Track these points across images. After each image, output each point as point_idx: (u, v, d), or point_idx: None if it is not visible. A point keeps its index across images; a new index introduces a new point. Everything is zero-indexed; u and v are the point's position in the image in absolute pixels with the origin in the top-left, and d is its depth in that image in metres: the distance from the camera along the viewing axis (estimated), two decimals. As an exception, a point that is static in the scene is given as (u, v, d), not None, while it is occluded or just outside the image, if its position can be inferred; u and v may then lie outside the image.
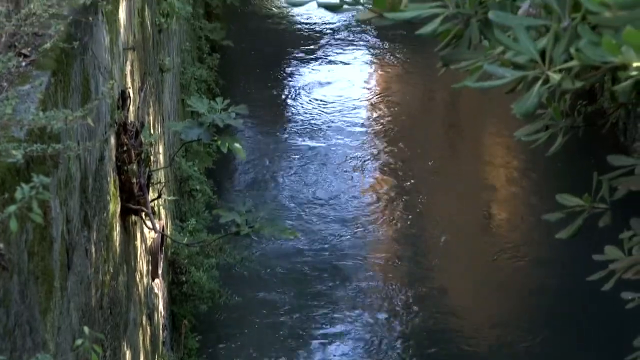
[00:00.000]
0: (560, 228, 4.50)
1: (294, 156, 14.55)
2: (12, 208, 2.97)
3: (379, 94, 16.72)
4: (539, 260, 12.14)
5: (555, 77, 2.69)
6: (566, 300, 11.23)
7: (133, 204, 6.95)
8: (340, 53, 18.06)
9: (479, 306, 11.46)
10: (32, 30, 4.45)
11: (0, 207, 3.23)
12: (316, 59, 17.81)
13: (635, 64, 2.28)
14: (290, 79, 17.18)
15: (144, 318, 7.73)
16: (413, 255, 12.30)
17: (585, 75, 2.79)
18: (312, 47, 18.25)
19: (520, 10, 2.97)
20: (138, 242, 7.54)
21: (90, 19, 5.32)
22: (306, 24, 19.12)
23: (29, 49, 4.41)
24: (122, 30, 6.87)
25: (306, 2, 3.51)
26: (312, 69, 17.44)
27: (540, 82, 2.73)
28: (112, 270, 6.01)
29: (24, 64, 4.32)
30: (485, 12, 3.11)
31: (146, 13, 8.80)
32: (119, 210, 6.53)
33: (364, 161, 14.45)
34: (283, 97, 16.58)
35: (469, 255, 12.33)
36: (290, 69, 17.51)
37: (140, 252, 7.67)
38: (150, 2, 9.25)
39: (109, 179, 6.12)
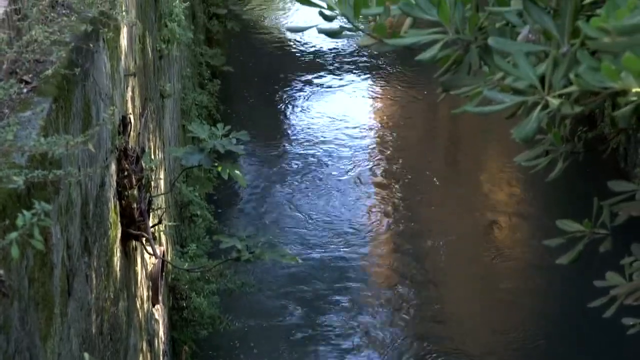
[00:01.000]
0: (560, 253, 4.50)
1: (294, 180, 14.56)
2: (13, 235, 2.97)
3: (379, 118, 16.75)
4: (539, 285, 12.11)
5: (554, 102, 2.70)
6: (566, 326, 11.19)
7: (134, 229, 6.95)
8: (341, 77, 18.10)
9: (479, 328, 11.42)
10: (34, 57, 4.47)
11: (1, 233, 3.24)
12: (317, 84, 17.85)
13: (634, 90, 2.28)
14: (291, 104, 17.22)
15: (145, 344, 7.70)
16: (415, 276, 12.27)
17: (585, 101, 2.80)
18: (313, 72, 18.30)
19: (520, 36, 2.98)
20: (139, 268, 7.53)
21: (92, 45, 5.34)
22: (307, 49, 19.19)
23: (30, 75, 4.43)
24: (123, 56, 6.89)
25: (306, 28, 3.53)
26: (313, 94, 17.49)
27: (539, 107, 2.73)
28: (112, 296, 6.00)
29: (25, 90, 4.33)
30: (484, 38, 3.13)
31: (147, 39, 8.84)
32: (119, 235, 6.53)
33: (366, 184, 14.46)
34: (284, 122, 16.61)
35: (469, 280, 12.30)
36: (291, 93, 17.56)
37: (141, 278, 7.66)
38: (151, 29, 9.29)
39: (109, 204, 6.12)
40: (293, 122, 16.59)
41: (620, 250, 4.49)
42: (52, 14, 4.94)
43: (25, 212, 3.05)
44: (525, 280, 12.30)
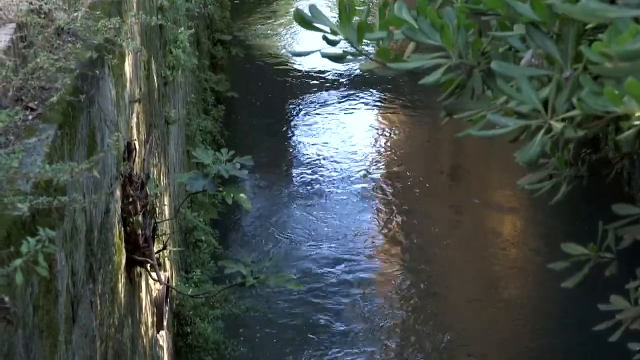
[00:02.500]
0: (565, 277, 4.49)
1: (299, 204, 14.56)
2: (17, 262, 2.97)
3: (383, 141, 16.77)
4: (543, 308, 12.07)
5: (557, 126, 2.70)
6: (571, 346, 11.15)
7: (138, 255, 6.95)
8: (345, 101, 18.14)
9: (484, 347, 11.38)
10: (39, 84, 4.49)
11: (6, 260, 3.24)
12: (321, 108, 17.89)
13: (637, 114, 2.29)
14: (295, 128, 17.25)
15: (149, 370, 7.68)
16: (420, 302, 12.24)
17: (588, 125, 2.80)
18: (316, 96, 18.34)
19: (523, 60, 2.99)
20: (143, 294, 7.53)
21: (97, 72, 5.36)
22: (310, 73, 19.24)
23: (35, 102, 4.45)
24: (128, 83, 6.92)
25: (310, 53, 3.54)
26: (317, 118, 17.52)
27: (543, 131, 2.74)
28: (117, 323, 5.99)
29: (30, 117, 4.35)
30: (488, 63, 3.14)
31: (152, 66, 8.87)
32: (124, 262, 6.53)
33: (371, 209, 14.45)
34: (288, 146, 16.63)
35: (472, 301, 12.27)
36: (295, 118, 17.59)
37: (146, 304, 7.65)
38: (156, 55, 9.33)
39: (114, 230, 6.13)
40: (297, 146, 16.61)
41: (625, 274, 4.48)
42: (57, 42, 4.96)
43: (29, 238, 3.05)
44: (530, 303, 12.26)
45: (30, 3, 4.82)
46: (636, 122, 2.36)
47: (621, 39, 2.13)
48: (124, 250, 6.57)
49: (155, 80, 9.15)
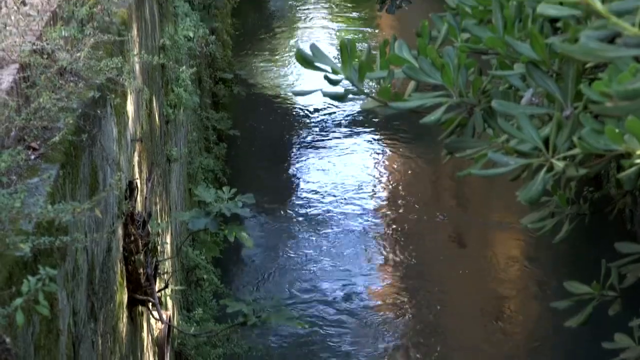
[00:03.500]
0: (569, 315, 4.47)
1: (301, 241, 14.53)
2: (18, 301, 2.97)
3: (384, 180, 16.78)
4: (547, 346, 12.01)
5: (559, 164, 2.71)
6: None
7: (140, 294, 6.93)
8: (346, 139, 18.18)
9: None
10: (42, 124, 4.51)
11: (7, 300, 3.23)
12: (322, 146, 17.93)
13: (638, 152, 2.29)
14: (297, 165, 17.27)
15: (151, 410, 7.63)
16: (419, 343, 12.18)
17: (590, 163, 2.81)
18: (318, 134, 18.39)
19: (523, 99, 3.00)
20: (145, 333, 7.49)
21: (99, 111, 5.39)
22: (312, 111, 19.30)
23: (38, 142, 4.46)
24: (130, 122, 6.94)
25: (311, 92, 3.55)
26: (319, 156, 17.55)
27: (544, 169, 2.75)
28: (118, 362, 5.96)
29: (33, 157, 4.36)
30: (488, 101, 3.15)
31: (154, 104, 8.91)
32: (125, 300, 6.51)
33: (373, 246, 14.42)
34: (290, 183, 16.64)
35: (475, 342, 12.21)
36: (297, 155, 17.62)
37: (147, 343, 7.61)
38: (158, 94, 9.37)
39: (116, 269, 6.12)
40: (299, 183, 16.62)
41: (629, 312, 4.46)
42: (60, 81, 4.99)
43: (30, 277, 3.05)
44: (533, 342, 12.19)
45: (33, 44, 4.85)
46: (637, 161, 2.36)
47: (621, 78, 2.14)
48: (125, 289, 6.55)
49: (157, 119, 9.18)
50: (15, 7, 5.14)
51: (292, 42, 22.99)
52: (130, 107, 6.99)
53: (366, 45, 3.82)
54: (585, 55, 2.27)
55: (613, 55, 2.19)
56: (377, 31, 23.33)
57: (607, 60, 2.23)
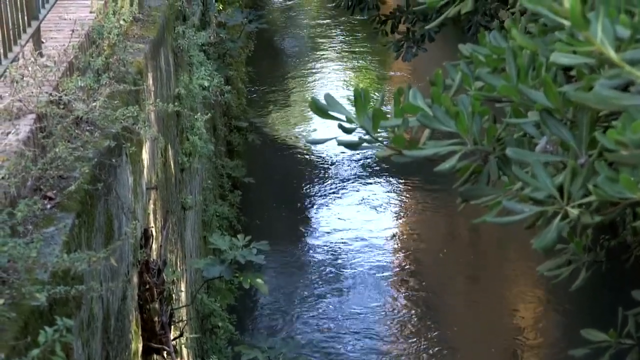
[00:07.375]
0: (587, 363, 4.43)
1: (316, 289, 14.48)
2: (35, 352, 2.97)
3: (399, 228, 16.75)
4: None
5: (574, 212, 2.70)
6: None
7: (155, 342, 6.91)
8: (361, 187, 18.18)
9: None
10: (58, 173, 4.54)
11: (23, 350, 3.23)
12: (337, 194, 17.93)
13: (653, 200, 2.29)
14: (311, 214, 17.26)
15: None
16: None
17: (605, 211, 2.80)
18: (333, 182, 18.40)
19: (538, 147, 3.00)
20: (160, 382, 7.45)
21: (115, 160, 5.41)
22: (327, 160, 19.34)
23: (54, 191, 4.49)
24: (145, 170, 6.97)
25: (326, 140, 3.56)
26: (334, 204, 17.54)
27: (559, 217, 2.74)
28: (133, 412, 5.93)
29: (49, 206, 4.38)
30: (503, 149, 3.15)
31: (169, 152, 8.95)
32: (140, 349, 6.49)
33: (388, 295, 14.36)
34: (305, 231, 16.63)
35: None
36: (311, 203, 17.62)
37: (162, 392, 7.57)
38: (173, 142, 9.42)
39: (131, 317, 6.11)
40: (314, 232, 16.60)
41: (647, 360, 4.42)
42: (76, 131, 5.03)
43: (47, 328, 3.05)
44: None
45: (50, 94, 4.90)
46: (653, 209, 2.36)
47: (635, 127, 2.14)
48: (140, 338, 6.53)
49: (172, 167, 9.21)
50: (33, 59, 5.20)
51: (306, 89, 23.11)
52: (145, 156, 7.02)
53: (380, 94, 3.83)
54: (599, 103, 2.28)
55: (627, 104, 2.20)
56: (391, 77, 23.43)
57: (621, 109, 2.23)
